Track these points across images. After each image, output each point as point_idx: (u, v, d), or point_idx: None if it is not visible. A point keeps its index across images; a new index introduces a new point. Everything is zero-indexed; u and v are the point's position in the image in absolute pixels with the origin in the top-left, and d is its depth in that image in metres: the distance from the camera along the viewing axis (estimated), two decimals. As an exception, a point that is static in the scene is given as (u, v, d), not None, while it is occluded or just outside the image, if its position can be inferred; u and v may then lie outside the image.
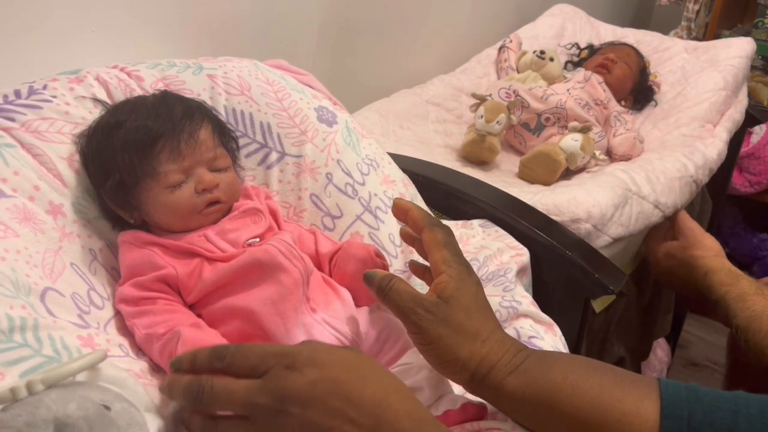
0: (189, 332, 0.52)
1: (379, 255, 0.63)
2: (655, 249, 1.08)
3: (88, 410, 0.36)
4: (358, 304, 0.63)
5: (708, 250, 1.00)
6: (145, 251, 0.57)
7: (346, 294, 0.62)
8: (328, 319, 0.58)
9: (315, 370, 0.42)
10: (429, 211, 0.59)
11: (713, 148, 1.24)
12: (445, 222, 0.86)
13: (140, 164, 0.58)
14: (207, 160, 0.61)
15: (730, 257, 1.02)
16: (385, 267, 0.62)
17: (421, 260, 0.59)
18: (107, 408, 0.38)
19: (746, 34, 1.99)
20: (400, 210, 0.57)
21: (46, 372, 0.38)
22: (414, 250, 0.73)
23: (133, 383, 0.45)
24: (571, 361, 0.51)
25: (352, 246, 0.64)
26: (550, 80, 1.40)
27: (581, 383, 0.47)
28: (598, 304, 0.94)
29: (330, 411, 0.41)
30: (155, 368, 0.55)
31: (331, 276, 0.64)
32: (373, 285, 0.52)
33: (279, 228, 0.65)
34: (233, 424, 0.44)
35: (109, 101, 0.66)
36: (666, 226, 1.09)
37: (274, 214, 0.66)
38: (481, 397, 0.52)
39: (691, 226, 1.05)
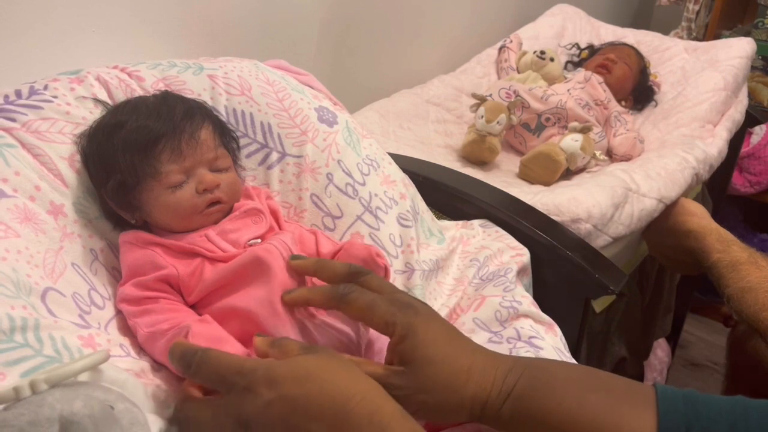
0: (198, 327, 0.52)
1: (380, 256, 0.63)
2: (646, 230, 1.08)
3: (94, 408, 0.36)
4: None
5: (693, 215, 0.99)
6: (147, 251, 0.57)
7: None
8: (328, 321, 0.58)
9: (271, 390, 0.42)
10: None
11: (713, 145, 1.25)
12: (445, 222, 0.86)
13: (141, 164, 0.58)
14: (208, 160, 0.61)
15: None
16: (387, 268, 0.62)
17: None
18: (111, 407, 0.38)
19: (746, 34, 1.99)
20: (308, 268, 0.56)
21: (50, 372, 0.38)
22: (414, 250, 0.73)
23: (133, 384, 0.45)
24: (565, 381, 0.49)
25: (353, 246, 0.64)
26: (551, 80, 1.40)
27: (575, 410, 0.46)
28: (599, 304, 0.94)
29: (289, 429, 0.41)
30: (156, 368, 0.55)
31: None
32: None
33: (280, 228, 0.65)
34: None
35: (109, 101, 0.66)
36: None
37: (275, 214, 0.66)
38: (490, 426, 0.50)
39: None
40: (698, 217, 0.99)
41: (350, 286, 0.51)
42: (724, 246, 0.91)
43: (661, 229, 1.03)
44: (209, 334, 0.52)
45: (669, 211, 1.04)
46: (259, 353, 0.48)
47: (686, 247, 0.97)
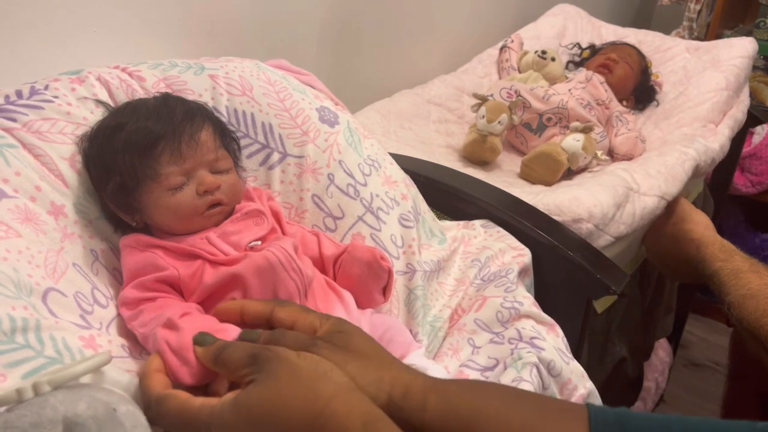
0: (163, 333, 0.50)
1: (384, 258, 0.63)
2: (647, 233, 1.07)
3: (97, 410, 0.36)
4: (360, 307, 0.63)
5: (698, 224, 0.99)
6: (147, 254, 0.57)
7: (349, 297, 0.62)
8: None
9: None
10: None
11: (715, 141, 1.24)
12: (446, 223, 0.86)
13: (141, 166, 0.58)
14: (208, 161, 0.60)
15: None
16: (390, 270, 0.62)
17: None
18: (114, 409, 0.38)
19: (748, 34, 1.99)
20: (232, 313, 0.52)
21: (52, 373, 0.38)
22: (416, 251, 0.73)
23: (135, 386, 0.45)
24: (489, 387, 0.49)
25: (357, 249, 0.64)
26: (552, 80, 1.40)
27: (503, 411, 0.44)
28: (600, 305, 0.94)
29: None
30: (157, 369, 0.55)
31: (335, 279, 0.64)
32: None
33: (282, 230, 0.65)
34: None
35: (110, 102, 0.66)
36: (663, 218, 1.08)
37: (276, 215, 0.66)
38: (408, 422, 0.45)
39: (681, 202, 1.05)
40: (702, 226, 0.99)
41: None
42: (726, 255, 0.91)
43: (663, 234, 1.03)
44: (197, 327, 0.50)
45: (672, 216, 1.03)
46: (205, 363, 0.47)
47: (687, 254, 0.98)
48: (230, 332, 0.50)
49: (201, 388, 0.48)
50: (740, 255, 0.91)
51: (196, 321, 0.52)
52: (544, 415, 0.45)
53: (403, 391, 0.45)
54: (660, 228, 1.04)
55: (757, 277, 0.85)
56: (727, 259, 0.90)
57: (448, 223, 0.87)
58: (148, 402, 0.44)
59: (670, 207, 1.05)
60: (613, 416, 0.44)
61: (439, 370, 0.62)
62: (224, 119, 0.70)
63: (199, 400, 0.43)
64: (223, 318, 0.52)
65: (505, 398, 0.46)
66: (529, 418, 0.44)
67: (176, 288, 0.57)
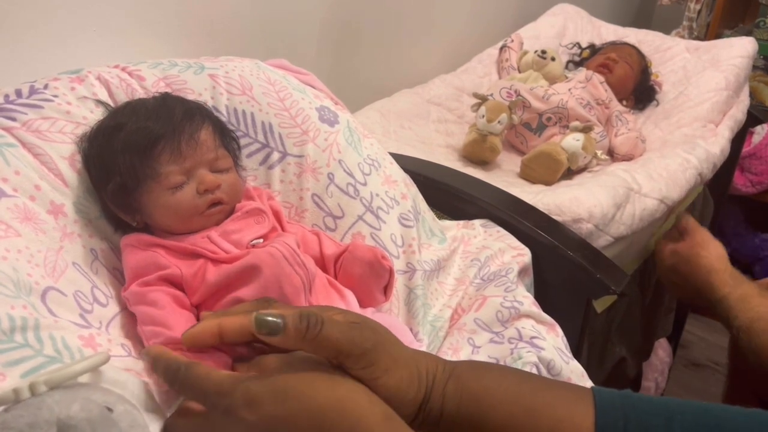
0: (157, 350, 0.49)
1: (385, 258, 0.63)
2: (662, 247, 1.09)
3: (91, 411, 0.36)
4: (362, 306, 0.63)
5: (713, 251, 1.01)
6: (149, 253, 0.57)
7: (351, 296, 0.62)
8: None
9: (251, 413, 0.41)
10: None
11: (716, 144, 1.24)
12: (446, 222, 0.86)
13: (141, 166, 0.58)
14: (208, 161, 0.60)
15: (732, 257, 1.02)
16: (391, 270, 0.62)
17: None
18: (110, 410, 0.38)
19: (748, 33, 1.99)
20: (208, 336, 0.47)
21: (50, 373, 0.38)
22: (416, 250, 0.73)
23: (134, 385, 0.45)
24: (503, 369, 0.51)
25: (358, 248, 0.64)
26: (552, 80, 1.40)
27: (514, 388, 0.46)
28: (600, 305, 0.94)
29: None
30: (157, 368, 0.54)
31: (336, 278, 0.64)
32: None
33: (282, 228, 0.65)
34: None
35: (110, 101, 0.66)
36: (675, 231, 1.10)
37: (277, 214, 0.66)
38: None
39: (700, 229, 1.07)
40: (715, 255, 1.01)
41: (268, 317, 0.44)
42: (735, 282, 0.93)
43: (677, 254, 1.05)
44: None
45: (689, 239, 1.05)
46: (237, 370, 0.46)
47: (697, 278, 0.99)
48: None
49: None
50: (749, 283, 0.92)
51: None
52: (552, 394, 0.47)
53: (432, 381, 0.46)
54: (676, 248, 1.06)
55: (765, 300, 0.85)
56: (736, 285, 0.92)
57: (448, 223, 0.86)
58: (176, 368, 0.44)
59: (691, 230, 1.06)
60: (618, 397, 0.45)
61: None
62: (224, 119, 0.70)
63: (227, 371, 0.45)
64: (200, 343, 0.47)
65: (514, 379, 0.48)
66: (538, 398, 0.46)
67: (178, 287, 0.57)
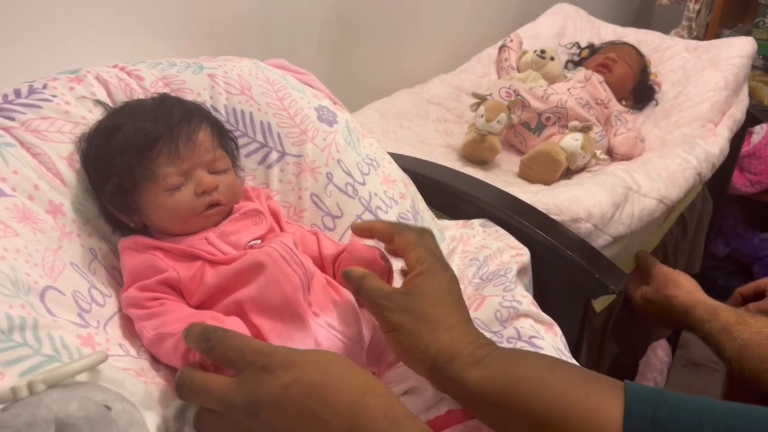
0: (213, 323, 0.51)
1: (383, 257, 0.63)
2: (633, 295, 1.08)
3: (90, 410, 0.36)
4: (361, 306, 0.62)
5: (681, 288, 1.00)
6: (147, 255, 0.57)
7: (349, 296, 0.62)
8: (331, 322, 0.57)
9: (289, 373, 0.42)
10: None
11: (715, 144, 1.24)
12: (445, 222, 0.86)
13: (139, 167, 0.58)
14: (206, 162, 0.60)
15: (731, 257, 1.02)
16: (390, 269, 0.62)
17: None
18: (108, 408, 0.38)
19: (747, 33, 1.99)
20: (363, 231, 0.60)
21: (48, 372, 0.38)
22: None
23: (132, 383, 0.45)
24: (538, 358, 0.53)
25: (357, 248, 0.63)
26: (551, 80, 1.40)
27: (547, 378, 0.47)
28: (599, 304, 0.94)
29: (303, 414, 0.41)
30: (156, 367, 0.54)
31: (334, 278, 0.64)
32: (351, 282, 0.54)
33: (281, 229, 0.65)
34: (212, 418, 0.44)
35: (109, 101, 0.66)
36: (639, 273, 1.10)
37: (275, 215, 0.66)
38: (443, 391, 0.52)
39: (659, 267, 1.06)
40: (685, 290, 0.99)
41: (406, 226, 0.59)
42: (710, 315, 0.92)
43: (649, 301, 1.04)
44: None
45: (652, 283, 1.04)
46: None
47: (677, 321, 0.99)
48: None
49: None
50: (726, 310, 0.91)
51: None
52: (582, 383, 0.47)
53: (447, 359, 0.49)
54: (645, 294, 1.05)
55: (746, 327, 0.86)
56: (713, 318, 0.91)
57: (446, 223, 0.87)
58: (213, 329, 0.45)
59: (651, 272, 1.06)
60: (651, 392, 0.46)
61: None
62: (222, 118, 0.70)
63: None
64: (358, 233, 0.60)
65: (549, 366, 0.49)
66: (571, 382, 0.47)
67: (176, 290, 0.57)
